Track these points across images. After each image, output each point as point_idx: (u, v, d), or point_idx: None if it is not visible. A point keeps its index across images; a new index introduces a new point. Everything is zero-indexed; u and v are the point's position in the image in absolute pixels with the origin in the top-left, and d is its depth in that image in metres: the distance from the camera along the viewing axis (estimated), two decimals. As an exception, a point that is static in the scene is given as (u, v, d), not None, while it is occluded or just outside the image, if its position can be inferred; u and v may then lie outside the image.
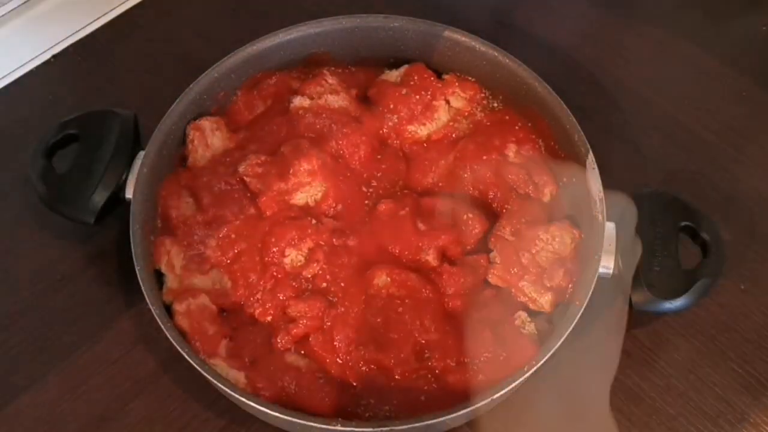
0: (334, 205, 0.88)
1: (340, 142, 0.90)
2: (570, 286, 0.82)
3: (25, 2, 1.01)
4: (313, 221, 0.85)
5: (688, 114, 1.02)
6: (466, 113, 0.94)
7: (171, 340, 0.75)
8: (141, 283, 0.78)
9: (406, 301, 0.82)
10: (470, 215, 0.86)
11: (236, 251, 0.85)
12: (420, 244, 0.85)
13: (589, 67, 1.07)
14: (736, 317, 0.88)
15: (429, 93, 0.93)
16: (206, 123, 0.91)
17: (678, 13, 1.13)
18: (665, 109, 1.03)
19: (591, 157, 0.84)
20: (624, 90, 1.04)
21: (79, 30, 1.09)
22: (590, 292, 0.77)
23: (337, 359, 0.79)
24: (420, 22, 0.94)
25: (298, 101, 0.92)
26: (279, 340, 0.80)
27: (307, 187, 0.87)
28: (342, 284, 0.82)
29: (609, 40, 1.10)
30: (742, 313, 0.89)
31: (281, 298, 0.82)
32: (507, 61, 0.92)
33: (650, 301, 0.80)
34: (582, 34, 1.10)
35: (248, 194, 0.87)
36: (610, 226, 0.82)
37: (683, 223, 0.83)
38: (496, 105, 0.95)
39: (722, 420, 0.83)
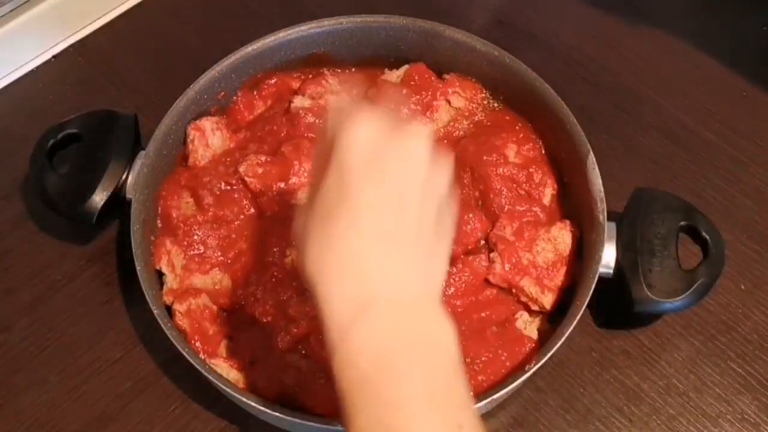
0: (334, 205, 0.88)
1: (341, 142, 0.90)
2: (571, 286, 0.83)
3: (25, 2, 1.01)
4: (314, 221, 0.85)
5: (688, 114, 1.02)
6: (467, 113, 0.95)
7: (171, 340, 0.75)
8: (141, 283, 0.78)
9: (407, 301, 0.81)
10: (470, 215, 0.86)
11: (236, 251, 0.85)
12: (420, 244, 0.85)
13: (589, 67, 1.07)
14: (737, 317, 0.88)
15: (429, 93, 0.93)
16: (206, 123, 0.91)
17: (679, 12, 1.13)
18: (665, 109, 1.03)
19: (591, 158, 0.84)
20: (624, 90, 1.05)
21: (79, 30, 1.09)
22: (590, 292, 0.77)
23: (338, 359, 0.79)
24: (421, 22, 0.94)
25: (299, 101, 0.92)
26: (279, 340, 0.80)
27: (308, 187, 0.87)
28: (342, 284, 0.82)
29: (609, 39, 1.10)
30: (743, 313, 0.89)
31: (282, 298, 0.82)
32: (507, 61, 0.92)
33: (650, 301, 0.80)
34: (582, 34, 1.10)
35: (249, 194, 0.87)
36: (610, 226, 0.82)
37: (683, 223, 0.83)
38: (496, 105, 0.95)
39: (722, 420, 0.83)
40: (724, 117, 1.02)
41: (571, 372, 0.85)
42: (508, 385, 0.74)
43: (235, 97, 0.95)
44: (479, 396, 0.75)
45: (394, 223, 0.56)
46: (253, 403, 0.73)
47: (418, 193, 0.57)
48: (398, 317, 0.54)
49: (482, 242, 0.86)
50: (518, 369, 0.78)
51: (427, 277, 0.57)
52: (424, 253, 0.57)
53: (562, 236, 0.84)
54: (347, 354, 0.53)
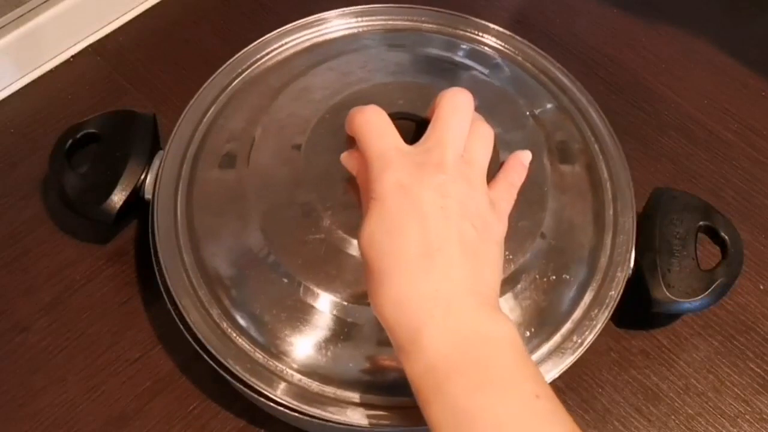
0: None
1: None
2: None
3: (43, 2, 1.01)
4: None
5: (707, 113, 1.02)
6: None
7: (190, 340, 0.75)
8: (160, 284, 0.78)
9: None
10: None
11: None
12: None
13: (608, 66, 1.06)
14: (756, 317, 0.88)
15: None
16: (224, 123, 0.91)
17: (698, 12, 1.12)
18: (684, 109, 1.03)
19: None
20: (643, 89, 1.04)
21: (98, 30, 1.09)
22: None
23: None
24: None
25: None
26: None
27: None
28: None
29: (628, 39, 1.10)
30: (762, 313, 0.88)
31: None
32: (525, 60, 0.92)
33: (669, 302, 0.80)
34: (601, 34, 1.10)
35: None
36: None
37: (702, 223, 0.83)
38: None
39: (741, 420, 0.83)
40: (743, 117, 1.02)
41: (589, 372, 0.85)
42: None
43: (252, 97, 0.95)
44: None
45: (429, 243, 0.60)
46: (272, 404, 0.73)
47: (457, 215, 0.61)
48: (459, 322, 0.58)
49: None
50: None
51: (476, 280, 0.61)
52: (470, 262, 0.61)
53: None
54: (417, 353, 0.58)
